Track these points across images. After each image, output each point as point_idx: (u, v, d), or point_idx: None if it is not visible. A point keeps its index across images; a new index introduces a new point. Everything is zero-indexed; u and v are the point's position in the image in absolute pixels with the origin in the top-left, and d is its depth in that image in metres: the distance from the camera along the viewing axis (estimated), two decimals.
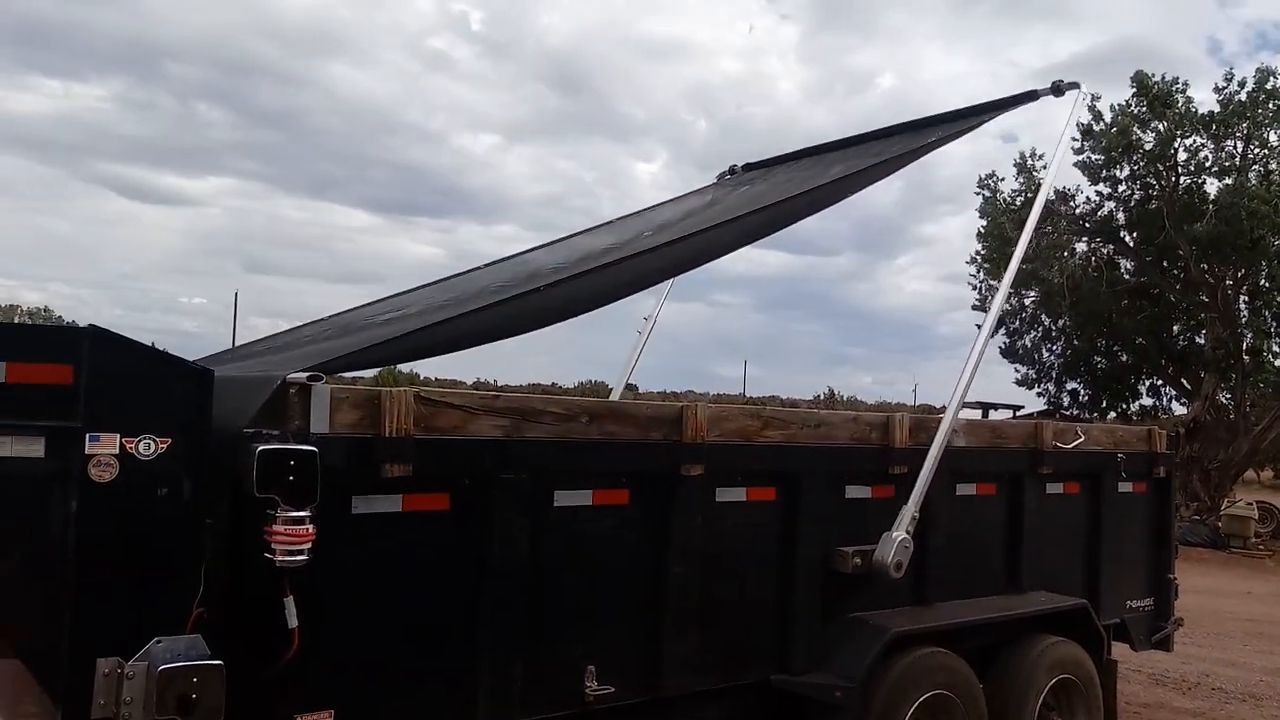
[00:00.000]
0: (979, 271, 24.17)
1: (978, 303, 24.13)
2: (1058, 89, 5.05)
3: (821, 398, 41.32)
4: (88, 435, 2.59)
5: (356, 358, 3.48)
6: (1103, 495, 5.66)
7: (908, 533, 4.24)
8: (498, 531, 3.37)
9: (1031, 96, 5.10)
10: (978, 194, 23.43)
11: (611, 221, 6.11)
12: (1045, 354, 24.08)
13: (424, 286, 5.34)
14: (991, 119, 5.25)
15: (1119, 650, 5.87)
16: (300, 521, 2.75)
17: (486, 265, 5.62)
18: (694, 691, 3.94)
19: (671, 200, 6.51)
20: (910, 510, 4.27)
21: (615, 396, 6.52)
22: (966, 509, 4.97)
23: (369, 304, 5.24)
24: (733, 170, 6.90)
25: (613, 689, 3.63)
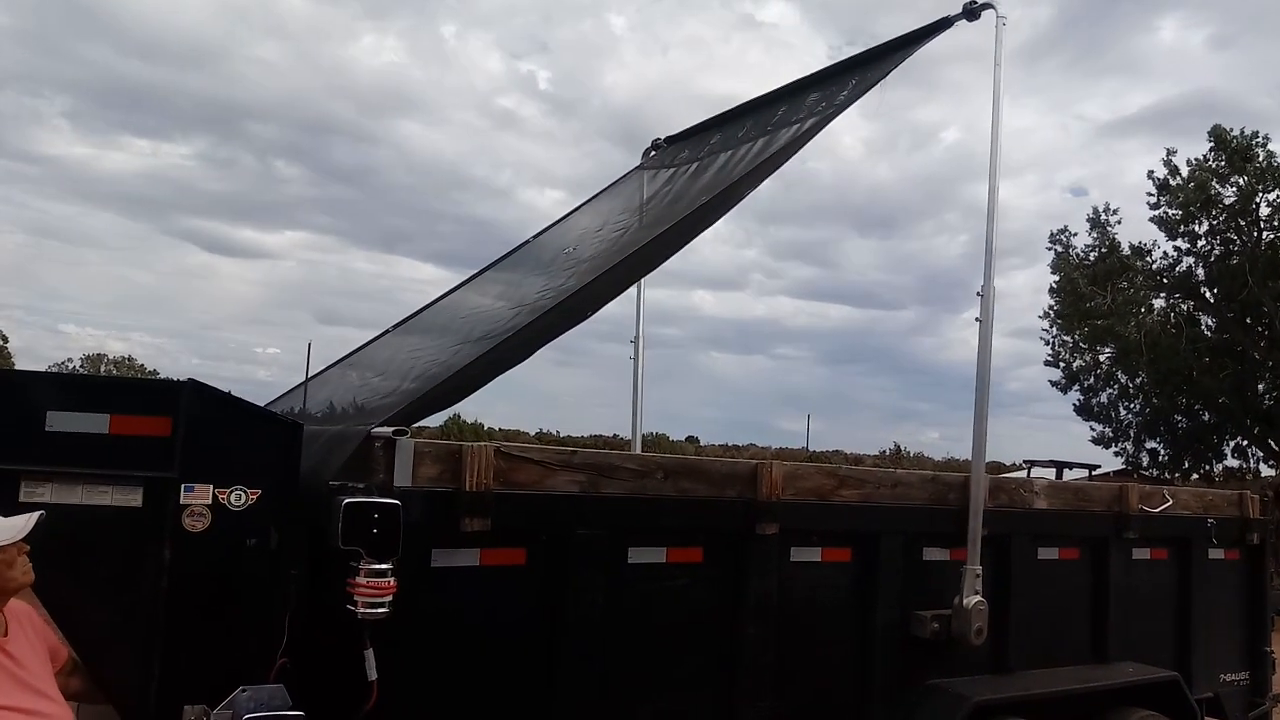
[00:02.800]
0: (1052, 326, 23.71)
1: (1050, 358, 23.64)
2: (971, 12, 4.47)
3: (887, 453, 40.60)
4: (183, 485, 2.68)
5: (417, 408, 3.34)
6: (1192, 562, 5.43)
7: (978, 594, 4.10)
8: (573, 587, 3.37)
9: (945, 24, 4.53)
10: (1049, 249, 23.11)
11: (528, 242, 5.91)
12: (1122, 412, 23.40)
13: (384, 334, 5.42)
14: (908, 56, 4.60)
15: None
16: (383, 574, 2.78)
17: (420, 310, 5.54)
18: None
19: (590, 201, 6.25)
20: (972, 569, 4.14)
21: (636, 449, 6.41)
22: (1048, 574, 4.80)
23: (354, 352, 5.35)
24: (656, 145, 6.61)
25: None
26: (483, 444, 3.18)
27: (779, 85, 5.43)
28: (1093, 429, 23.80)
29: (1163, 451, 22.93)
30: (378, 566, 2.78)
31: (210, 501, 2.71)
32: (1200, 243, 20.64)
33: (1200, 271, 21.00)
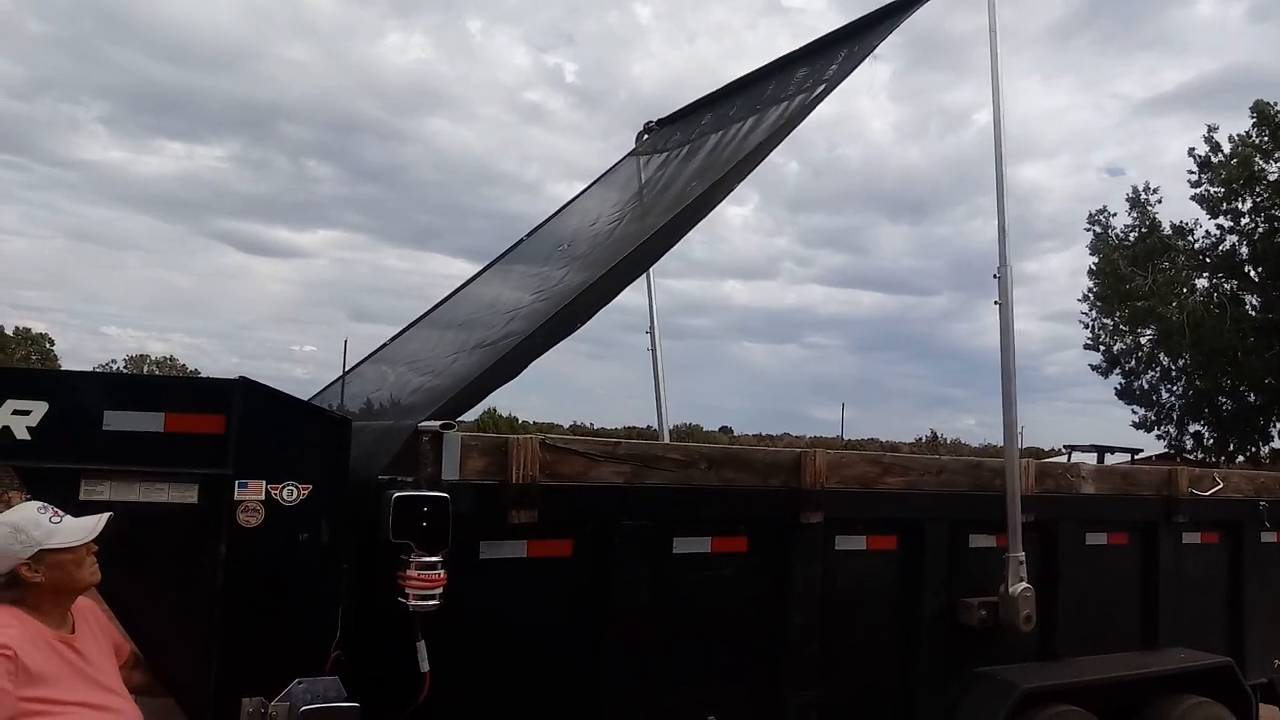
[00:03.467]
0: (1091, 309, 23.36)
1: (1090, 341, 23.30)
2: None
3: (924, 440, 40.27)
4: (237, 482, 2.72)
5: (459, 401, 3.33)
6: (1244, 545, 5.33)
7: (1024, 580, 4.06)
8: (618, 578, 3.38)
9: None
10: (1087, 230, 22.76)
11: (530, 235, 5.86)
12: (1165, 395, 23.01)
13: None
14: (895, 26, 4.25)
15: (1267, 713, 5.49)
16: (433, 566, 2.82)
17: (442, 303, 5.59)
18: None
19: (587, 189, 6.15)
20: (1015, 556, 4.09)
21: (664, 439, 6.38)
22: (1096, 560, 4.75)
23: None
24: (648, 128, 6.46)
25: None
26: (528, 436, 3.20)
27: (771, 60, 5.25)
28: (1134, 413, 23.47)
29: (1207, 434, 22.55)
30: (428, 559, 2.81)
31: (263, 497, 2.75)
32: (1244, 220, 20.24)
33: (1244, 250, 20.60)
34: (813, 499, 3.78)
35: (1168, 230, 21.41)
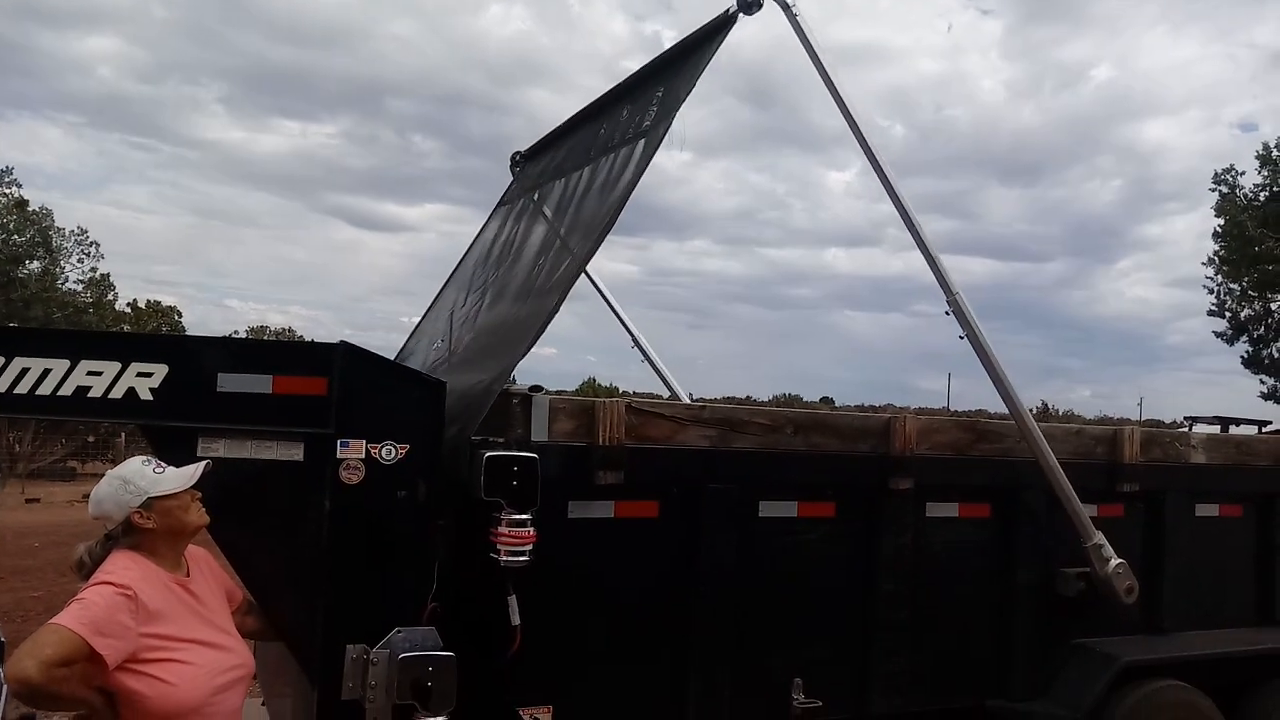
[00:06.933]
0: (1217, 274, 22.14)
1: (1214, 307, 22.11)
2: (747, 5, 3.66)
3: (1034, 411, 38.87)
4: (339, 441, 2.86)
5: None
6: None
7: (1111, 558, 3.89)
8: (705, 540, 3.43)
9: (728, 22, 3.71)
10: (1213, 190, 21.50)
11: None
12: None
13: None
14: (700, 69, 3.71)
15: None
16: (522, 524, 2.91)
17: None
18: (904, 712, 3.83)
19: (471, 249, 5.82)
20: (1094, 544, 3.90)
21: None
22: (1207, 531, 4.56)
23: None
24: (514, 161, 5.98)
25: (820, 704, 3.59)
26: (615, 400, 3.26)
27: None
28: (1263, 382, 22.22)
29: None
30: (518, 517, 2.91)
31: (364, 456, 2.89)
32: None
33: None
34: (902, 465, 3.74)
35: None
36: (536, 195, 5.15)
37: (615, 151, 4.03)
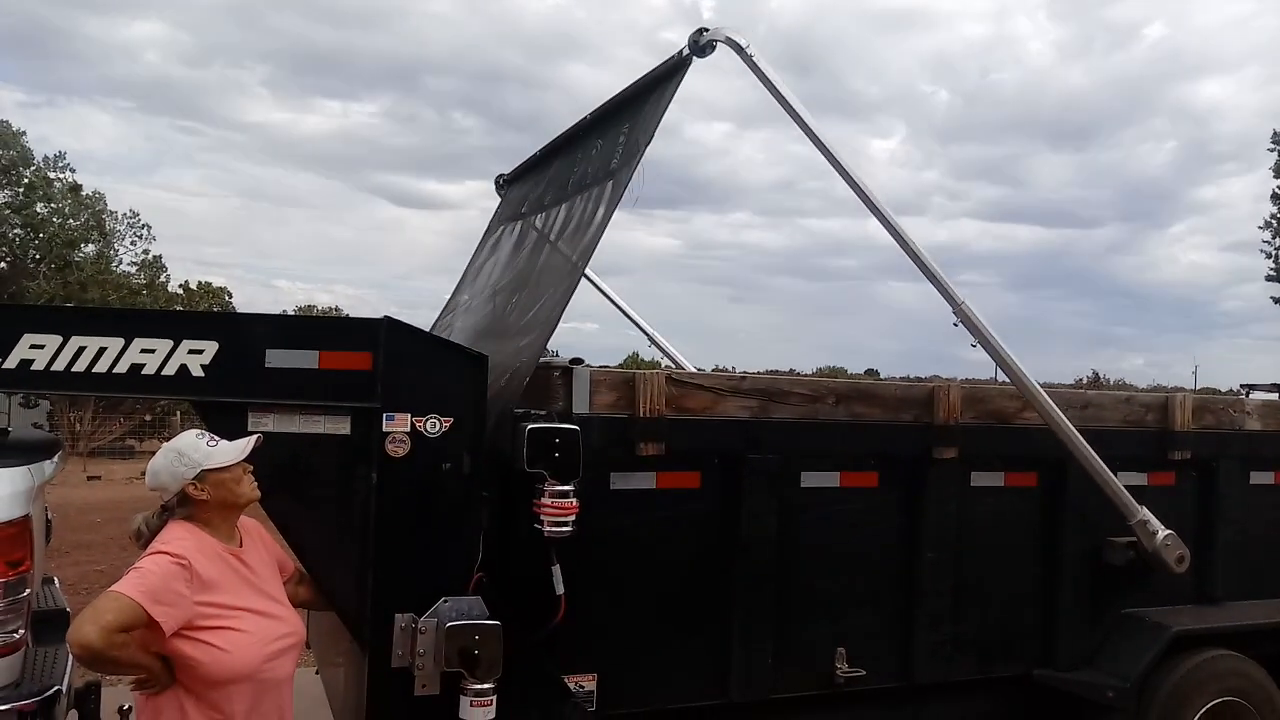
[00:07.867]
0: (1275, 237, 21.51)
1: (1272, 272, 21.52)
2: (700, 49, 3.49)
3: (1085, 381, 38.28)
4: (385, 415, 2.92)
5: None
6: None
7: (1158, 531, 3.80)
8: (747, 510, 3.44)
9: (683, 65, 3.57)
10: (1272, 150, 20.84)
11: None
12: None
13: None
14: (660, 113, 3.60)
15: None
16: (565, 495, 2.95)
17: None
18: (948, 681, 3.83)
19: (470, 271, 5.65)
20: (1139, 521, 3.80)
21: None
22: (1262, 500, 4.47)
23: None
24: (498, 184, 5.88)
25: (863, 672, 3.60)
26: (654, 372, 3.28)
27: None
28: None
29: None
30: (560, 488, 2.94)
31: (409, 429, 2.94)
32: None
33: None
34: (946, 434, 3.71)
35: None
36: (515, 236, 5.08)
37: (588, 191, 4.00)
